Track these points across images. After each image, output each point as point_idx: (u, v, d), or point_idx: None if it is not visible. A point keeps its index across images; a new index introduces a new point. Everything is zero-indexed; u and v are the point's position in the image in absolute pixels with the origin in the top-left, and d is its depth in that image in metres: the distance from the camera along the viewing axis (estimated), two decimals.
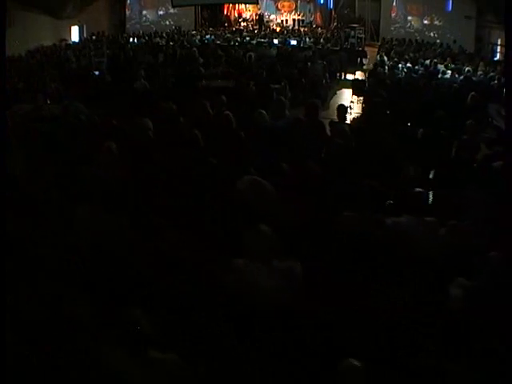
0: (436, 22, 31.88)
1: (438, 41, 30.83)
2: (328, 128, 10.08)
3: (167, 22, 34.98)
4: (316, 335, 4.43)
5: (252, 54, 20.51)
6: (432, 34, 31.97)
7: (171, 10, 33.63)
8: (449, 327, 4.61)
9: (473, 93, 14.19)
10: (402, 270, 5.42)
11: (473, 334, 4.53)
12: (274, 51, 23.51)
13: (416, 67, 21.46)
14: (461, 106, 13.83)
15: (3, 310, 3.87)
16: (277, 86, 14.71)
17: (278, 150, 8.13)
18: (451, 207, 6.79)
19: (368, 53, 28.91)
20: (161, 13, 35.16)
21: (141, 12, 35.27)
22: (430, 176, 8.82)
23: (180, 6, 32.22)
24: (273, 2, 38.30)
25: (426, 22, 32.73)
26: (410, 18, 33.44)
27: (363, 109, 13.97)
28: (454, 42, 29.45)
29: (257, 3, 35.84)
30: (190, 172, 7.09)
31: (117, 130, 9.29)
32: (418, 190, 6.50)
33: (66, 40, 27.74)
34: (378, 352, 4.27)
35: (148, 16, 35.45)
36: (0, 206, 4.41)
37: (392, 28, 33.88)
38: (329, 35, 32.23)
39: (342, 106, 10.65)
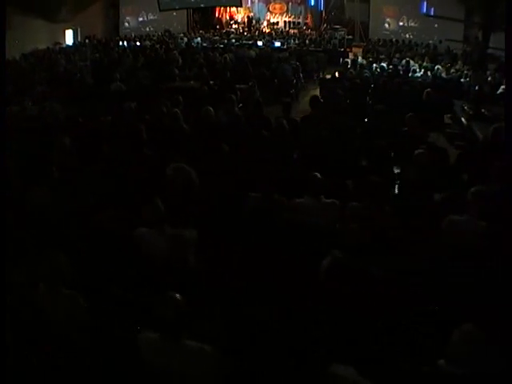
0: (423, 23, 32.40)
1: (430, 41, 31.22)
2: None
3: (163, 25, 35.45)
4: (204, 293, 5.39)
5: (228, 56, 21.25)
6: (423, 36, 32.37)
7: (165, 13, 34.27)
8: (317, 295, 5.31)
9: (428, 89, 14.65)
10: (293, 242, 6.27)
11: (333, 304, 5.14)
12: (253, 52, 24.22)
13: (390, 66, 22.18)
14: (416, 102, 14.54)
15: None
16: (242, 86, 15.60)
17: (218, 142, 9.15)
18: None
19: (354, 53, 29.40)
20: (152, 17, 35.83)
21: (135, 16, 35.92)
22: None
23: (167, 9, 33.10)
24: (264, 5, 39.02)
25: (413, 23, 33.42)
26: (401, 19, 34.16)
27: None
28: (440, 42, 29.92)
29: (240, 6, 36.55)
30: (127, 160, 8.17)
31: (79, 127, 10.41)
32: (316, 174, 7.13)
33: (60, 43, 28.36)
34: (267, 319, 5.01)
35: (140, 19, 36.11)
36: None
37: (382, 29, 34.67)
38: (313, 37, 32.97)
39: (286, 103, 11.57)
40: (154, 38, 32.35)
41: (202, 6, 35.13)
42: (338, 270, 5.30)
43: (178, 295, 4.33)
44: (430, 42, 30.83)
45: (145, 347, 4.39)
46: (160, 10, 32.67)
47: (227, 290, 5.47)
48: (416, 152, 8.79)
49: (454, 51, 28.08)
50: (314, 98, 11.68)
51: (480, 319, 4.77)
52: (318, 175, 7.09)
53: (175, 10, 33.94)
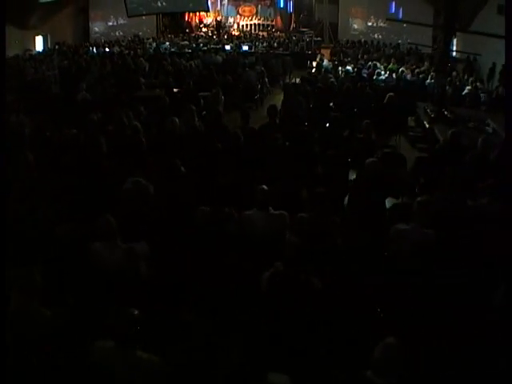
0: (391, 24, 32.66)
1: (399, 41, 31.76)
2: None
3: (133, 30, 35.77)
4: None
5: (193, 62, 21.61)
6: (392, 36, 33.03)
7: (134, 18, 34.30)
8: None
9: (390, 93, 15.02)
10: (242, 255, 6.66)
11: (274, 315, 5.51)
12: (219, 57, 24.48)
13: (355, 69, 22.50)
14: (379, 106, 15.04)
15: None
16: (206, 94, 15.92)
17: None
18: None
19: (325, 55, 29.67)
20: (122, 21, 36.00)
21: (104, 20, 36.12)
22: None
23: (135, 15, 33.22)
24: (234, 7, 39.44)
25: (382, 24, 33.94)
26: (369, 20, 34.83)
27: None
28: (398, 45, 30.35)
29: (208, 11, 36.93)
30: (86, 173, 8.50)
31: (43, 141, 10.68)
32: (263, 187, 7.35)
33: (30, 50, 28.19)
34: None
35: (110, 24, 36.37)
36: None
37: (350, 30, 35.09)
38: (282, 40, 33.32)
39: (244, 111, 11.81)
40: (124, 43, 32.48)
41: (170, 11, 35.32)
42: (277, 281, 5.66)
43: (132, 309, 4.65)
44: (400, 41, 31.25)
45: (99, 355, 4.68)
46: (128, 16, 32.82)
47: (177, 300, 5.87)
48: (368, 160, 8.96)
49: (422, 51, 28.60)
50: (271, 106, 11.96)
51: (417, 327, 5.36)
52: (265, 187, 7.27)
53: (143, 15, 34.10)
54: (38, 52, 29.06)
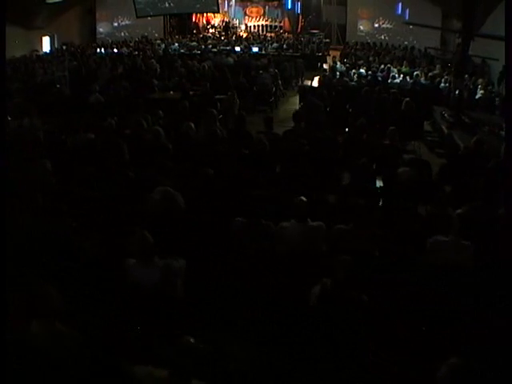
0: (398, 25, 32.47)
1: (405, 42, 31.35)
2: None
3: (138, 31, 35.34)
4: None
5: (206, 64, 21.21)
6: (398, 37, 32.58)
7: (140, 18, 33.86)
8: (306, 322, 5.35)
9: (407, 99, 14.82)
10: (282, 270, 6.34)
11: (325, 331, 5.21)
12: (231, 59, 24.15)
13: (369, 72, 22.13)
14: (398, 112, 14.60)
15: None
16: (222, 97, 15.53)
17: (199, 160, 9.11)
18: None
19: (332, 57, 29.34)
20: (128, 22, 35.79)
21: (110, 21, 35.85)
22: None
23: (144, 16, 32.92)
24: (241, 8, 39.07)
25: (389, 25, 33.65)
26: (376, 21, 34.42)
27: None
28: (412, 48, 30.02)
29: (218, 12, 36.36)
30: (111, 183, 8.09)
31: (59, 145, 10.28)
32: (301, 198, 7.09)
33: (37, 51, 28.00)
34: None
35: (115, 24, 36.06)
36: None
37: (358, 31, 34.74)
38: (291, 41, 32.84)
39: (268, 117, 11.56)
40: (131, 44, 32.15)
41: (177, 12, 34.98)
42: (328, 298, 5.43)
43: (188, 337, 4.28)
44: (406, 43, 30.88)
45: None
46: (137, 17, 32.52)
47: (216, 318, 5.43)
48: (401, 169, 8.97)
49: (431, 53, 28.22)
50: (297, 112, 11.68)
51: (469, 344, 5.00)
52: (304, 199, 7.03)
53: (151, 16, 33.76)
54: (45, 53, 28.85)
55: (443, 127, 15.99)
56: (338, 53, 30.95)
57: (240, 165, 9.00)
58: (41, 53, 28.32)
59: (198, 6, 33.70)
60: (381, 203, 8.64)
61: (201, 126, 10.90)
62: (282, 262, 6.55)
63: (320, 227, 6.98)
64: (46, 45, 30.31)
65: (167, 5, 32.59)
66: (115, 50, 29.66)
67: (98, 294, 5.79)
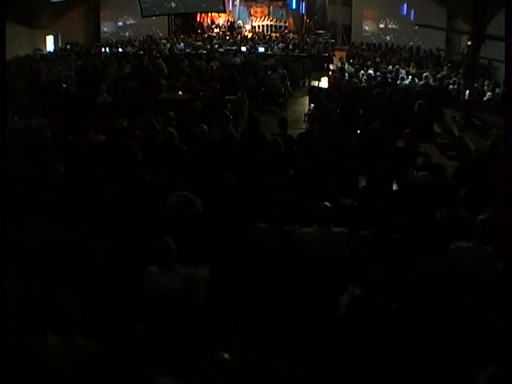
0: (403, 26, 32.41)
1: (411, 43, 31.12)
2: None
3: (142, 30, 35.13)
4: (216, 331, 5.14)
5: (214, 64, 20.94)
6: (403, 38, 32.25)
7: (144, 18, 33.60)
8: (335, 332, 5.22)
9: (420, 101, 14.70)
10: (305, 277, 6.16)
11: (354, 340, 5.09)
12: (238, 59, 23.94)
13: (377, 73, 21.93)
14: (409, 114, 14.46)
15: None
16: (232, 98, 15.29)
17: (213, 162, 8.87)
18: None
19: (338, 57, 29.02)
20: (132, 21, 35.48)
21: (114, 20, 35.47)
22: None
23: (149, 16, 32.72)
24: (246, 8, 38.83)
25: (394, 25, 33.34)
26: (381, 21, 34.06)
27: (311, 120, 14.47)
28: (418, 48, 29.85)
29: (224, 12, 36.09)
30: (125, 186, 7.81)
31: (68, 146, 10.01)
32: (325, 203, 6.92)
33: (40, 50, 27.80)
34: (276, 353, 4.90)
35: (120, 24, 35.69)
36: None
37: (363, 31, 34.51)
38: (297, 41, 32.64)
39: (282, 119, 11.30)
40: (136, 43, 31.94)
41: (183, 12, 34.76)
42: (358, 307, 5.37)
43: (223, 353, 4.16)
44: (411, 43, 30.71)
45: None
46: (142, 16, 32.30)
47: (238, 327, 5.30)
48: (419, 173, 8.87)
49: (437, 54, 28.06)
50: (312, 114, 11.47)
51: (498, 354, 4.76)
52: (327, 204, 6.88)
53: (157, 16, 33.59)
54: (49, 52, 28.61)
55: (454, 129, 15.81)
56: (344, 53, 30.64)
57: (256, 168, 8.73)
58: (44, 52, 28.07)
59: (205, 5, 33.49)
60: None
61: (213, 128, 10.63)
62: (305, 269, 6.40)
63: (343, 233, 6.83)
64: (49, 44, 29.92)
65: (173, 4, 32.37)
66: (120, 50, 29.45)
67: (115, 302, 5.56)
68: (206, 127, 10.12)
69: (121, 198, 7.62)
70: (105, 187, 7.94)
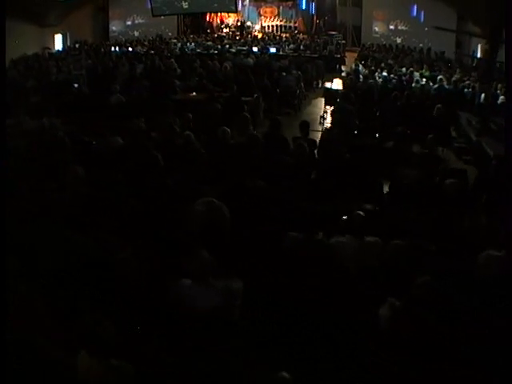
0: (413, 27, 32.26)
1: (420, 45, 30.91)
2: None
3: (151, 29, 34.85)
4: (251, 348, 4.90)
5: (227, 64, 20.65)
6: (413, 39, 32.05)
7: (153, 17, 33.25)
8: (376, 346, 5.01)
9: (438, 105, 14.65)
10: (340, 289, 5.88)
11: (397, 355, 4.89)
12: (251, 60, 23.65)
13: (391, 75, 21.65)
14: (429, 118, 14.33)
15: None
16: (248, 99, 15.05)
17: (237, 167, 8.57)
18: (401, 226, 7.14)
19: (348, 59, 29.25)
20: (141, 20, 35.23)
21: (122, 19, 35.24)
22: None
23: (160, 15, 32.51)
24: (255, 8, 38.62)
25: (404, 27, 33.09)
26: (391, 23, 33.77)
27: (331, 123, 14.28)
28: (429, 49, 29.65)
29: (236, 12, 35.81)
30: (147, 193, 7.48)
31: (86, 149, 9.70)
32: (359, 212, 6.80)
33: (49, 48, 27.53)
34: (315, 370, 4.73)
35: (128, 23, 35.50)
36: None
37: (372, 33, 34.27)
38: (308, 42, 32.39)
39: (304, 122, 11.02)
40: (145, 43, 31.71)
41: (195, 11, 34.59)
42: (401, 321, 5.18)
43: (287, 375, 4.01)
44: (421, 45, 30.60)
45: None
46: (153, 16, 32.09)
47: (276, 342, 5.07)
48: (448, 181, 8.53)
49: (447, 56, 27.87)
50: (340, 118, 11.22)
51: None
52: (361, 213, 6.80)
53: (167, 15, 33.46)
54: (58, 50, 28.37)
55: (470, 133, 15.60)
56: (354, 55, 30.58)
57: (281, 173, 8.45)
58: (53, 51, 27.81)
59: (216, 5, 33.16)
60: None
61: (233, 131, 10.32)
62: (340, 280, 6.14)
63: (376, 243, 6.66)
64: (58, 43, 29.62)
65: (184, 4, 32.15)
66: (130, 49, 29.19)
67: (141, 316, 5.22)
68: (228, 130, 9.78)
69: (143, 204, 7.25)
70: (126, 192, 7.57)
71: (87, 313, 4.47)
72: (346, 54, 30.98)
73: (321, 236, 6.64)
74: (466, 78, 21.03)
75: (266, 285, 5.83)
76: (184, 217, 6.94)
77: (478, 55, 25.66)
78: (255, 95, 15.17)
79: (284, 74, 19.58)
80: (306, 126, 10.69)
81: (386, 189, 9.38)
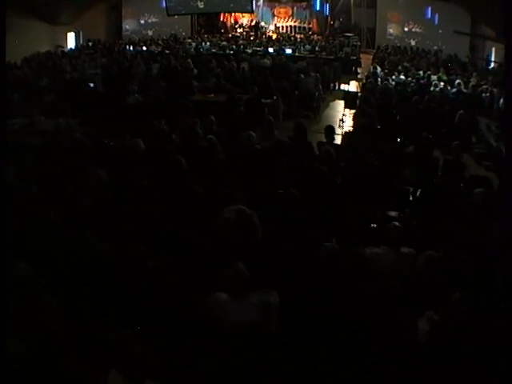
0: (427, 29, 32.08)
1: (434, 47, 30.65)
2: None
3: (165, 29, 34.78)
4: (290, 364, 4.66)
5: (245, 65, 20.48)
6: (427, 42, 31.84)
7: (167, 16, 33.40)
8: (416, 361, 4.81)
9: (461, 111, 14.40)
10: (377, 301, 5.64)
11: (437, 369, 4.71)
12: (267, 61, 23.33)
13: (409, 79, 21.38)
14: (449, 124, 14.16)
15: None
16: (268, 101, 14.78)
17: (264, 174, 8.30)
18: (432, 236, 7.02)
19: (363, 60, 29.02)
20: (154, 20, 35.16)
21: (135, 18, 35.20)
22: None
23: (175, 14, 32.52)
24: (269, 9, 38.42)
25: (418, 29, 32.90)
26: (405, 25, 33.55)
27: (352, 126, 14.08)
28: (440, 51, 29.50)
29: (252, 12, 35.77)
30: (174, 200, 7.19)
31: (107, 151, 9.42)
32: (395, 223, 6.65)
33: (61, 47, 27.42)
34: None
35: (142, 22, 35.43)
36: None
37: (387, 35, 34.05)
38: (323, 43, 32.12)
39: (330, 127, 10.77)
40: (159, 41, 31.51)
41: (210, 11, 34.57)
42: (438, 333, 5.07)
43: None
44: (435, 48, 30.33)
45: None
46: (168, 15, 32.17)
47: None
48: (476, 190, 8.38)
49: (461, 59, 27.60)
50: (367, 123, 10.96)
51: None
52: (397, 224, 6.63)
53: (182, 15, 33.47)
54: (71, 49, 28.30)
55: (490, 139, 15.33)
56: (368, 56, 30.46)
57: (310, 179, 8.16)
58: (66, 49, 27.69)
59: (232, 5, 33.45)
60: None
61: (257, 135, 10.03)
62: (375, 292, 5.90)
63: (411, 254, 6.49)
64: (71, 41, 29.58)
65: (200, 4, 32.08)
66: (144, 48, 28.97)
67: (173, 329, 4.90)
68: (253, 134, 9.49)
69: (168, 210, 6.95)
70: (150, 198, 7.27)
71: (116, 328, 4.27)
72: (361, 55, 30.69)
73: (356, 247, 6.38)
74: (483, 83, 20.71)
75: (300, 297, 5.62)
76: (212, 225, 6.67)
77: (493, 58, 25.49)
78: (274, 97, 14.86)
79: (302, 76, 19.35)
80: (331, 131, 10.45)
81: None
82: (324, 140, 10.79)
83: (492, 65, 25.87)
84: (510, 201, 6.07)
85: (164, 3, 31.83)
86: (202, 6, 32.48)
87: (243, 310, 5.07)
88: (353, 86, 22.59)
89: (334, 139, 10.50)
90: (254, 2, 35.97)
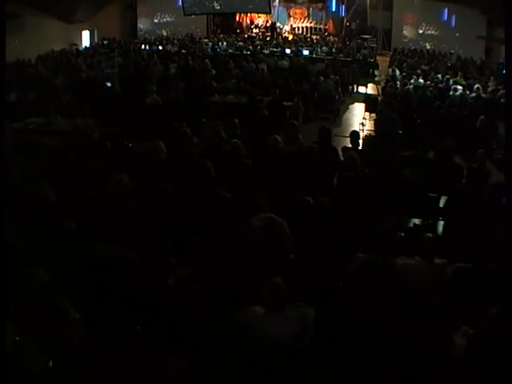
0: (443, 32, 31.87)
1: (451, 51, 30.33)
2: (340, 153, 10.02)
3: (180, 28, 34.80)
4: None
5: (264, 66, 20.31)
6: (443, 45, 31.50)
7: (182, 15, 33.28)
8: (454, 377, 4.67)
9: (482, 117, 14.26)
10: (410, 314, 5.50)
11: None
12: (286, 63, 23.20)
13: (427, 82, 21.14)
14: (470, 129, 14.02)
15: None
16: (289, 104, 14.57)
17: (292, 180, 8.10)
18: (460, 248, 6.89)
19: (380, 63, 28.84)
20: (169, 19, 35.14)
21: (150, 17, 35.20)
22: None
23: (192, 14, 32.49)
24: (285, 9, 38.34)
25: (434, 32, 32.66)
26: (420, 27, 33.31)
27: (375, 132, 13.93)
28: (457, 55, 29.20)
29: (270, 13, 35.54)
30: (202, 207, 6.97)
31: (128, 153, 9.22)
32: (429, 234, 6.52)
33: (76, 45, 27.50)
34: None
35: (156, 21, 35.40)
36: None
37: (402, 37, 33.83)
38: (340, 45, 32.03)
39: (355, 132, 10.56)
40: (175, 41, 31.44)
41: (228, 11, 34.60)
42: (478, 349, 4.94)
43: None
44: (452, 51, 30.03)
45: None
46: (184, 15, 32.15)
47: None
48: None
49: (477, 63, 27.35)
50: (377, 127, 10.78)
51: None
52: (431, 235, 6.55)
53: (198, 14, 33.51)
54: (85, 47, 28.32)
55: None
56: (385, 59, 30.35)
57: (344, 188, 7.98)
58: (80, 47, 27.76)
59: (251, 6, 33.44)
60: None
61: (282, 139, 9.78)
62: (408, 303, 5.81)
63: (443, 265, 6.35)
64: (85, 39, 29.62)
65: (216, 5, 32.13)
66: (160, 48, 28.91)
67: (211, 349, 4.68)
68: (279, 138, 9.25)
69: (195, 217, 6.71)
70: (176, 204, 7.03)
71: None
72: (377, 57, 30.51)
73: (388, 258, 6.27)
74: (500, 87, 20.45)
75: (333, 309, 5.44)
76: (240, 234, 6.44)
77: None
78: (295, 99, 14.66)
79: (322, 78, 19.13)
80: (356, 137, 10.22)
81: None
82: (345, 143, 10.61)
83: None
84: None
85: (180, 2, 31.88)
86: (218, 8, 32.51)
87: (280, 326, 4.91)
88: (371, 89, 22.38)
89: (359, 145, 10.24)
90: (270, 2, 35.93)
